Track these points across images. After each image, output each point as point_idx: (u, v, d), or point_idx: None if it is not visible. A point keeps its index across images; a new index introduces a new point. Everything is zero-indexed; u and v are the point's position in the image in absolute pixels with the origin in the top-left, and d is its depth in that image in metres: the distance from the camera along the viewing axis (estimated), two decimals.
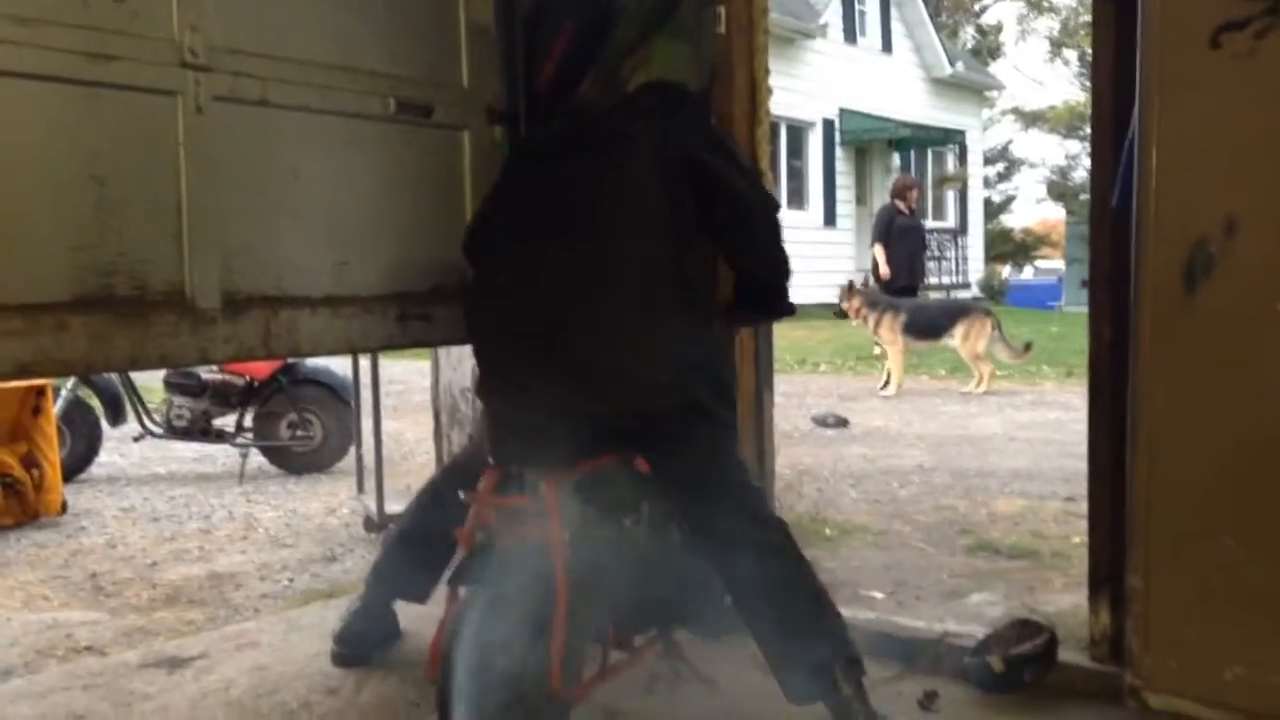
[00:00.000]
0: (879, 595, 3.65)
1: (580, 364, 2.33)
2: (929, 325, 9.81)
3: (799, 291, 2.70)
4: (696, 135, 2.48)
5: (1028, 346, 9.94)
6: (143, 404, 6.66)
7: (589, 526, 2.46)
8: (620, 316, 2.33)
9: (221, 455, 6.97)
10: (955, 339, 9.66)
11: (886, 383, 9.66)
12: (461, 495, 2.46)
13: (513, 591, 2.27)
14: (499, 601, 2.27)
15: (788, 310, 2.70)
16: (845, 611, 2.81)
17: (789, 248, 2.56)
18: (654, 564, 2.53)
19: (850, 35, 20.56)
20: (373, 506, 4.92)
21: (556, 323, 2.35)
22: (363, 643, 3.09)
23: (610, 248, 2.35)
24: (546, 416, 2.36)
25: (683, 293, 2.37)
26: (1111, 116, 2.66)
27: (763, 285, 2.64)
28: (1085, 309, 2.80)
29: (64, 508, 5.50)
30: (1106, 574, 2.76)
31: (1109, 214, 2.63)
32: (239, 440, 6.63)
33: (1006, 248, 28.91)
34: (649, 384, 2.32)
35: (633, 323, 2.33)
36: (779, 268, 2.57)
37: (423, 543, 2.96)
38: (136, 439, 6.77)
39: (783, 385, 3.68)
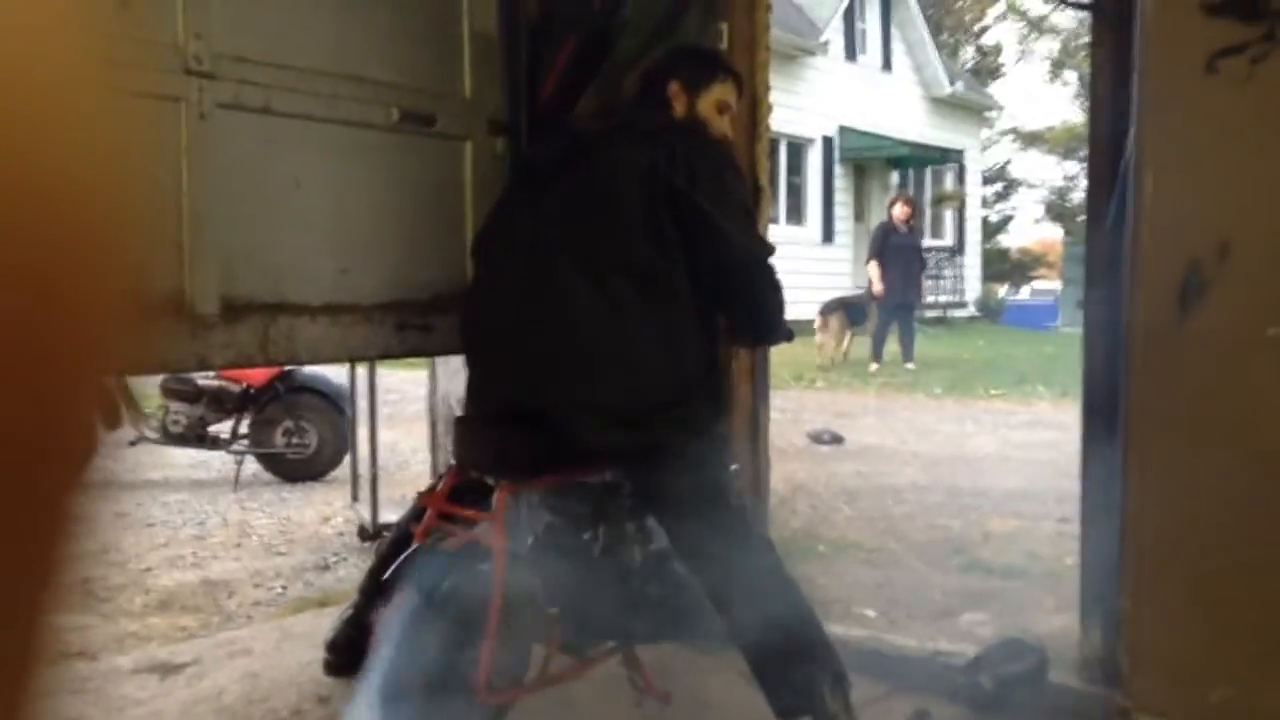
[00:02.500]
0: (871, 613, 3.66)
1: (551, 385, 2.34)
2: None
3: (796, 309, 2.69)
4: (691, 165, 2.37)
5: None
6: (138, 409, 6.65)
7: (541, 538, 2.50)
8: (596, 344, 2.33)
9: (217, 461, 6.97)
10: None
11: None
12: (417, 495, 2.51)
13: (448, 594, 2.31)
14: (433, 603, 2.31)
15: (782, 338, 2.69)
16: (837, 629, 2.82)
17: (788, 264, 2.54)
18: (609, 581, 2.54)
19: (851, 53, 20.63)
20: (367, 515, 4.93)
21: (536, 341, 2.37)
22: (355, 651, 3.09)
23: (594, 273, 2.35)
24: (514, 427, 2.38)
25: (665, 323, 2.34)
26: (1108, 138, 2.68)
27: (747, 331, 2.64)
28: (1081, 330, 2.81)
29: None
30: (1098, 595, 2.77)
31: (1105, 235, 2.65)
32: (234, 447, 6.62)
33: (1003, 267, 28.98)
34: (615, 418, 2.31)
35: (608, 352, 2.32)
36: (763, 317, 2.52)
37: None
38: (132, 444, 6.75)
39: (779, 401, 3.69)
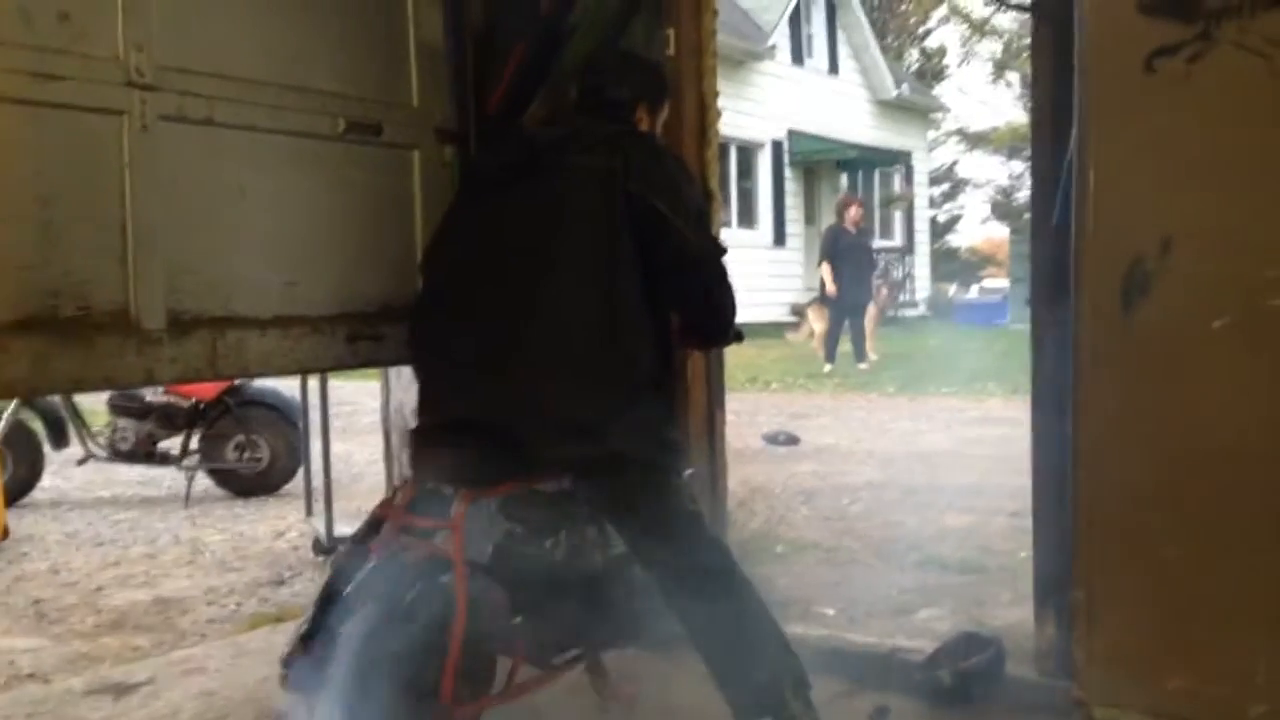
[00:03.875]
0: (830, 612, 3.68)
1: (507, 395, 2.34)
2: None
3: (749, 310, 2.71)
4: (645, 170, 2.40)
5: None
6: (86, 427, 6.55)
7: (501, 546, 2.50)
8: (548, 353, 2.33)
9: (167, 478, 6.87)
10: None
11: None
12: (375, 508, 2.49)
13: (410, 607, 2.31)
14: (395, 617, 2.30)
15: (733, 340, 2.71)
16: (797, 628, 2.84)
17: (740, 267, 2.57)
18: (572, 587, 2.53)
19: (798, 57, 20.77)
20: (322, 529, 4.88)
21: (487, 351, 2.37)
22: (312, 666, 3.05)
23: (545, 282, 2.35)
24: (470, 437, 2.38)
25: (617, 331, 2.34)
26: (1051, 137, 2.72)
27: (701, 330, 2.66)
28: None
29: (6, 533, 5.38)
30: (1051, 588, 2.80)
31: (1050, 232, 2.68)
32: (185, 463, 6.53)
33: (953, 266, 29.28)
34: (571, 427, 2.31)
35: (559, 361, 2.33)
36: (718, 315, 2.55)
37: None
38: (80, 462, 6.65)
39: (734, 404, 3.70)
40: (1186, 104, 2.06)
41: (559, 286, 2.34)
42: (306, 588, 4.40)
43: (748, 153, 19.54)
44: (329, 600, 2.91)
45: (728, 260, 2.51)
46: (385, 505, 2.56)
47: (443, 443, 2.48)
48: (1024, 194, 29.15)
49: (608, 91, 2.62)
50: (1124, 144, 2.14)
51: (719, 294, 2.49)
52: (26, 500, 6.34)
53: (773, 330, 15.93)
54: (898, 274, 20.44)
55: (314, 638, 2.99)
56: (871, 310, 13.38)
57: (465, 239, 2.53)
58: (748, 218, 19.63)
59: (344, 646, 2.28)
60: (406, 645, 2.28)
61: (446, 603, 2.32)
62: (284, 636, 3.22)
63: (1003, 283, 24.94)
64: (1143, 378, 2.12)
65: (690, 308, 2.53)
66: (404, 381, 4.44)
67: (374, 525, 3.00)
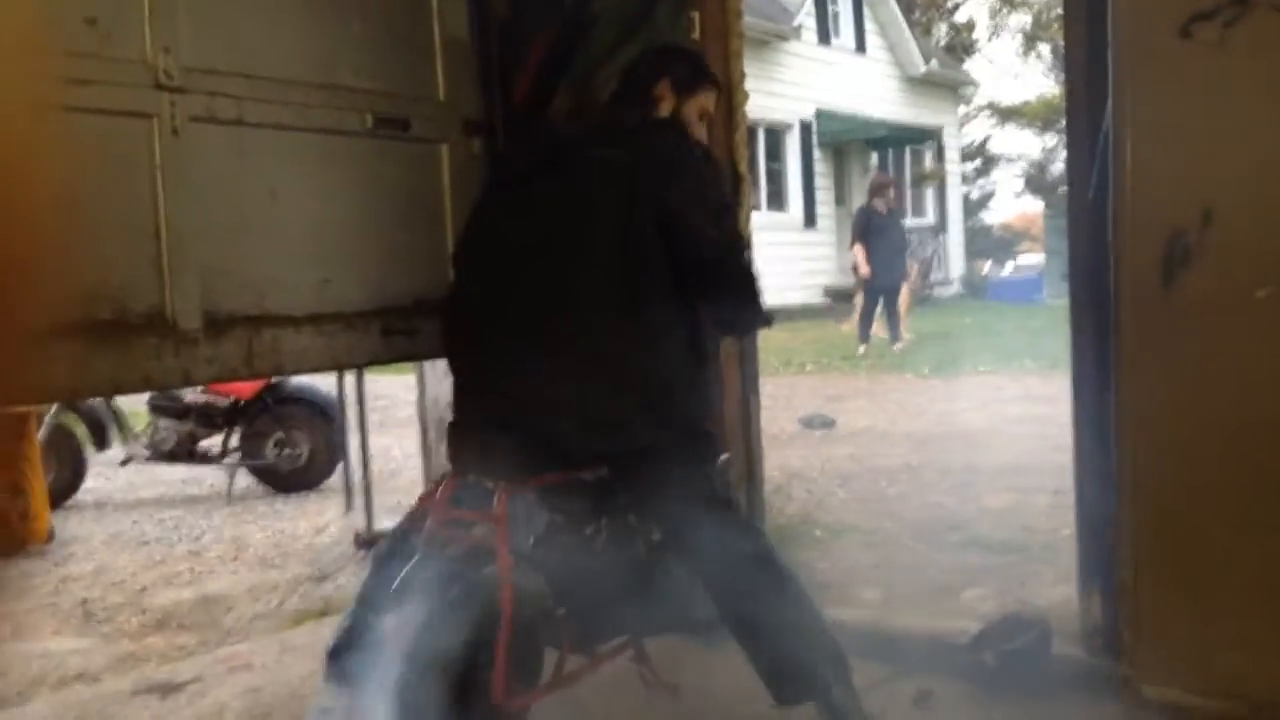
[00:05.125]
0: (871, 595, 3.66)
1: (535, 392, 2.34)
2: None
3: (782, 294, 2.70)
4: (664, 166, 2.38)
5: None
6: (127, 428, 6.63)
7: (543, 537, 2.49)
8: (573, 352, 2.32)
9: (209, 477, 6.95)
10: None
11: None
12: (415, 502, 2.50)
13: (456, 600, 2.30)
14: (443, 610, 2.29)
15: (761, 325, 2.69)
16: (838, 612, 2.82)
17: (770, 250, 2.55)
18: (615, 575, 2.53)
19: (824, 36, 20.61)
20: (362, 524, 4.91)
21: (514, 348, 2.37)
22: (355, 661, 3.07)
23: (568, 280, 2.34)
24: (506, 431, 2.38)
25: (642, 327, 2.33)
26: (1086, 109, 2.67)
27: (725, 324, 2.65)
28: (1067, 302, 2.81)
29: (51, 535, 5.46)
30: (1096, 566, 2.77)
31: (1087, 206, 2.64)
32: (225, 461, 6.60)
33: (987, 243, 29.01)
34: (599, 423, 2.32)
35: (584, 359, 2.32)
36: (740, 311, 2.54)
37: None
38: (122, 463, 6.73)
39: (768, 387, 3.68)
40: (1224, 70, 2.02)
41: (582, 285, 2.34)
42: (348, 582, 4.43)
43: (776, 134, 19.44)
44: (372, 595, 2.93)
45: (755, 250, 2.50)
46: (426, 499, 2.56)
47: (480, 437, 2.49)
48: (1058, 168, 28.84)
49: (635, 74, 2.61)
50: (1161, 113, 2.10)
51: (737, 292, 2.47)
52: (70, 502, 6.42)
53: (805, 313, 15.87)
54: (927, 252, 20.22)
55: (358, 632, 3.02)
56: (905, 290, 13.30)
57: (491, 235, 2.54)
58: (777, 200, 19.53)
59: (392, 642, 2.29)
60: (456, 639, 2.28)
61: (493, 594, 2.31)
62: (328, 631, 3.24)
63: (1038, 258, 24.75)
64: (1184, 351, 2.09)
65: (710, 305, 2.51)
66: (438, 374, 4.46)
67: (415, 519, 3.01)
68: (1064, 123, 2.87)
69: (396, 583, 2.41)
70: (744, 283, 2.47)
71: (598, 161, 2.40)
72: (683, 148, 2.46)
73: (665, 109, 2.59)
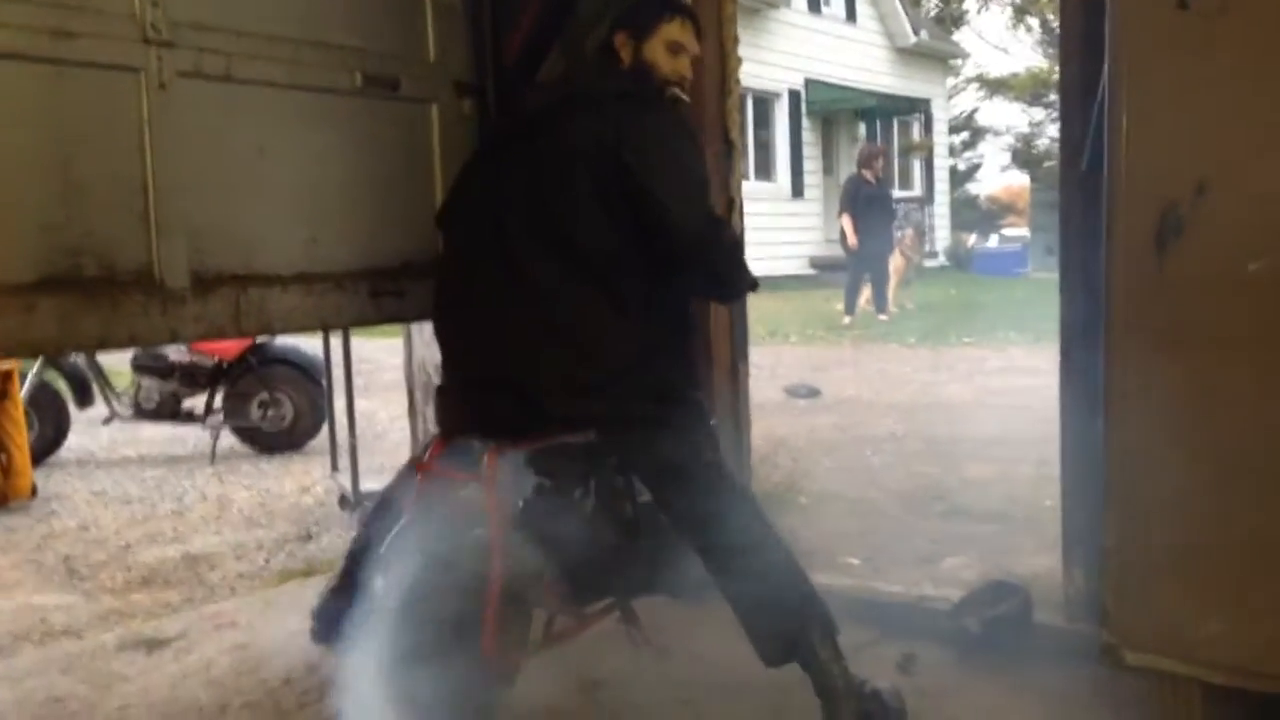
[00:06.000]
0: (855, 561, 3.69)
1: (519, 356, 2.35)
2: None
3: (769, 264, 2.69)
4: (637, 139, 2.33)
5: None
6: (110, 386, 6.60)
7: (531, 499, 2.51)
8: (551, 320, 2.33)
9: (192, 437, 6.93)
10: None
11: None
12: (404, 464, 2.51)
13: (445, 562, 2.32)
14: (430, 571, 2.31)
15: (747, 290, 2.67)
16: (822, 578, 2.83)
17: (757, 220, 2.53)
18: (603, 537, 2.55)
19: (815, 5, 20.48)
20: (347, 485, 4.91)
21: (497, 314, 2.38)
22: (343, 620, 3.08)
23: (549, 244, 2.34)
24: (493, 394, 2.39)
25: (619, 295, 2.33)
26: (1080, 79, 2.67)
27: (705, 295, 2.66)
28: (1051, 275, 2.82)
29: (34, 492, 5.45)
30: (1079, 536, 2.80)
31: (1079, 177, 2.64)
32: (209, 421, 6.58)
33: (972, 215, 29.02)
34: (582, 388, 2.32)
35: (562, 327, 2.32)
36: (717, 285, 2.52)
37: None
38: (105, 422, 6.71)
39: (754, 357, 3.68)
40: (1222, 41, 2.01)
41: (561, 252, 2.33)
42: (333, 543, 4.44)
43: (765, 103, 19.35)
44: (360, 555, 2.94)
45: (743, 217, 2.47)
46: (414, 461, 2.57)
47: (468, 398, 2.50)
48: (1045, 142, 28.85)
49: (605, 41, 2.57)
50: (1157, 84, 2.09)
51: (717, 267, 2.43)
52: (53, 459, 6.40)
53: (792, 283, 15.86)
54: (922, 219, 20.19)
55: (345, 592, 3.03)
56: (895, 261, 13.29)
57: (471, 199, 2.53)
58: (765, 169, 19.47)
59: (383, 602, 2.30)
60: (444, 600, 2.30)
61: (482, 555, 2.34)
62: (313, 591, 3.25)
63: (1022, 231, 24.76)
64: (1176, 323, 2.09)
65: (691, 280, 2.47)
66: (425, 338, 4.44)
67: (403, 481, 3.02)
68: (1053, 96, 2.88)
69: (385, 544, 2.43)
70: (723, 259, 2.43)
71: (570, 133, 2.38)
72: (656, 118, 2.42)
73: (626, 57, 2.52)
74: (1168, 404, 2.10)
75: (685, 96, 2.60)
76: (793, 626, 2.35)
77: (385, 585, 2.32)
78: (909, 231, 14.42)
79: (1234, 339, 2.03)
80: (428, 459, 2.52)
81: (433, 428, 4.23)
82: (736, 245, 2.49)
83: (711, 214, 2.48)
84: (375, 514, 3.14)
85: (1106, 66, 2.22)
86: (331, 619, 3.08)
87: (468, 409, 2.50)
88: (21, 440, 5.45)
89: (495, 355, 2.39)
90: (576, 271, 2.32)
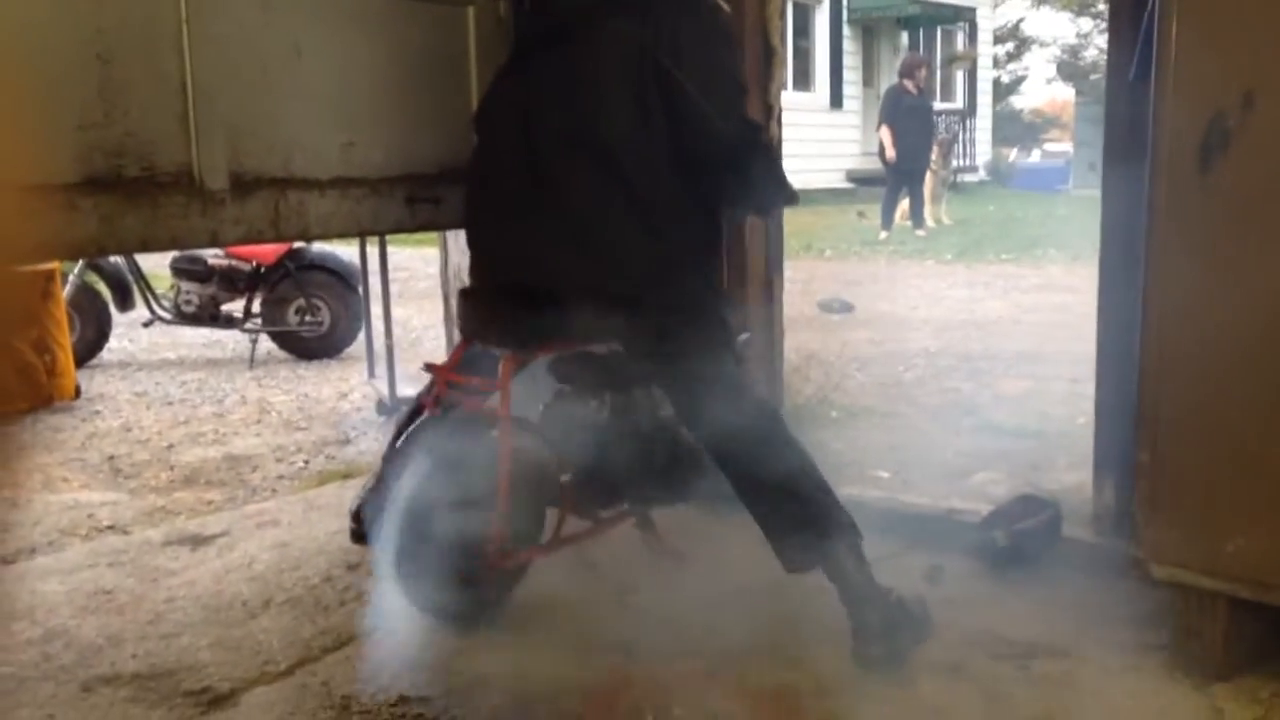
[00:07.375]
0: (885, 474, 3.71)
1: (548, 264, 2.35)
2: None
3: (806, 176, 2.66)
4: (675, 40, 2.28)
5: None
6: (151, 290, 6.67)
7: (551, 404, 2.60)
8: (580, 227, 2.32)
9: (231, 341, 7.02)
10: None
11: None
12: (424, 366, 2.58)
13: (457, 461, 2.41)
14: (443, 470, 2.41)
15: (784, 205, 2.66)
16: (852, 490, 2.86)
17: (795, 132, 2.50)
18: (619, 445, 2.59)
19: None
20: (384, 390, 4.98)
21: (527, 220, 2.37)
22: (378, 520, 3.15)
23: (575, 155, 2.32)
24: (518, 301, 2.41)
25: (648, 205, 2.30)
26: None
27: (741, 207, 2.65)
28: (1093, 192, 2.77)
29: (78, 392, 5.56)
30: (1112, 452, 2.80)
31: (1126, 88, 2.59)
32: (248, 326, 6.65)
33: (1014, 129, 28.48)
34: (608, 298, 2.32)
35: (591, 235, 2.31)
36: (752, 195, 2.48)
37: None
38: (146, 324, 6.80)
39: (789, 271, 3.67)
40: None
41: (589, 160, 2.32)
42: (371, 446, 4.51)
43: (804, 9, 18.96)
44: (392, 458, 3.00)
45: (786, 124, 2.44)
46: (432, 364, 2.63)
47: (490, 304, 2.52)
48: (1092, 53, 28.11)
49: None
50: None
51: (754, 178, 2.40)
52: (95, 361, 6.51)
53: (828, 196, 15.68)
54: (949, 134, 19.84)
55: (381, 493, 3.10)
56: (930, 176, 13.10)
57: (503, 104, 2.51)
58: (803, 79, 19.15)
59: (394, 499, 2.38)
60: (454, 496, 2.38)
61: (492, 456, 2.40)
62: (351, 492, 3.32)
63: (1065, 146, 24.31)
64: (1218, 238, 2.06)
65: (727, 192, 2.44)
66: (461, 245, 4.44)
67: (431, 387, 3.07)
68: (1101, 6, 2.80)
69: (401, 442, 2.50)
70: (760, 168, 2.41)
71: (608, 35, 2.34)
72: (698, 20, 2.36)
73: None
74: (1207, 319, 2.09)
75: (725, 1, 2.55)
76: (816, 532, 2.37)
77: (398, 485, 2.41)
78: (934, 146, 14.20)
79: (1276, 253, 2.00)
80: (447, 362, 2.57)
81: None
82: (775, 155, 2.46)
83: (750, 120, 2.45)
84: (406, 419, 3.19)
85: None
86: (368, 520, 3.17)
87: (490, 314, 2.52)
88: (65, 341, 5.54)
89: (520, 262, 2.40)
90: (607, 180, 2.31)
